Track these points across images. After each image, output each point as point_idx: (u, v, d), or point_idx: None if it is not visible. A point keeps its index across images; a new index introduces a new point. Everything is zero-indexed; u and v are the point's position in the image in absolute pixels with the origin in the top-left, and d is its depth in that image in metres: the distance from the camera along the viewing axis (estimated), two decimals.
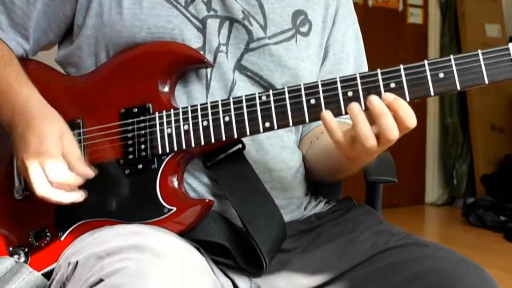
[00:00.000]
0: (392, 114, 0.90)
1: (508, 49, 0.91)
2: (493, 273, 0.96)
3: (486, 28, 4.81)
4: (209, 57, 1.06)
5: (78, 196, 1.01)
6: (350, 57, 1.21)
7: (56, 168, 0.98)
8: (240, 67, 1.09)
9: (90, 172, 1.01)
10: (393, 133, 0.90)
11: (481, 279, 0.94)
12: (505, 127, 4.78)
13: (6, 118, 1.04)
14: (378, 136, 0.91)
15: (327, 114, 0.92)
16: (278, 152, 1.11)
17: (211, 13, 1.08)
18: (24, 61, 1.12)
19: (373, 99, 0.90)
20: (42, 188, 0.98)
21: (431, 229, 4.55)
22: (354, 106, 0.91)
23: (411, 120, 0.91)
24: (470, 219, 4.20)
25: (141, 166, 1.02)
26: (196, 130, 1.00)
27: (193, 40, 1.06)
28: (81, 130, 1.06)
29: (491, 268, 1.01)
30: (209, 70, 1.07)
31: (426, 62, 0.92)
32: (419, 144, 4.96)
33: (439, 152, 5.02)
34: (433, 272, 0.94)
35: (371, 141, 0.91)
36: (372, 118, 0.91)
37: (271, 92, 0.98)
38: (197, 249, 0.97)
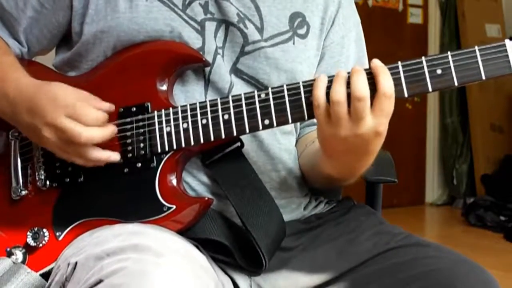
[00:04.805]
0: (373, 76, 0.91)
1: (504, 45, 0.91)
2: (493, 273, 0.96)
3: (486, 28, 4.81)
4: (208, 58, 1.05)
5: (115, 129, 1.00)
6: (350, 60, 1.20)
7: (83, 110, 0.97)
8: (236, 71, 1.09)
9: (112, 106, 1.01)
10: (363, 90, 0.90)
11: (482, 279, 0.94)
12: (505, 126, 4.79)
13: (3, 105, 1.02)
14: (350, 113, 0.91)
15: (323, 76, 0.94)
16: (277, 152, 1.11)
17: (208, 16, 1.08)
18: (21, 61, 1.11)
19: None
20: (84, 132, 0.96)
21: (431, 229, 4.55)
22: (342, 71, 0.93)
23: (389, 86, 0.91)
24: (470, 219, 4.20)
25: (140, 164, 1.01)
26: (195, 128, 1.00)
27: (192, 41, 1.06)
28: None
29: (491, 268, 1.00)
30: (207, 70, 1.06)
31: (423, 58, 0.93)
32: (419, 144, 4.96)
33: (439, 152, 5.02)
34: (435, 273, 0.93)
35: (341, 95, 0.91)
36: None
37: (270, 89, 0.98)
38: (196, 247, 0.97)
